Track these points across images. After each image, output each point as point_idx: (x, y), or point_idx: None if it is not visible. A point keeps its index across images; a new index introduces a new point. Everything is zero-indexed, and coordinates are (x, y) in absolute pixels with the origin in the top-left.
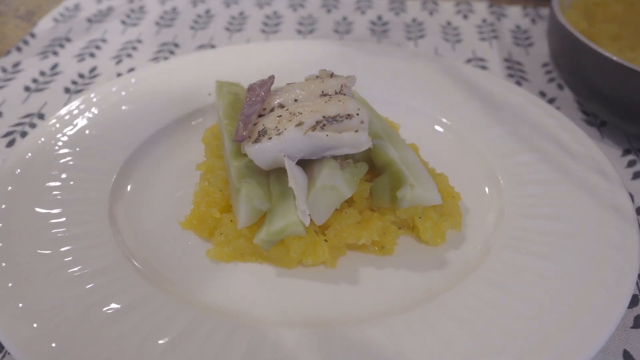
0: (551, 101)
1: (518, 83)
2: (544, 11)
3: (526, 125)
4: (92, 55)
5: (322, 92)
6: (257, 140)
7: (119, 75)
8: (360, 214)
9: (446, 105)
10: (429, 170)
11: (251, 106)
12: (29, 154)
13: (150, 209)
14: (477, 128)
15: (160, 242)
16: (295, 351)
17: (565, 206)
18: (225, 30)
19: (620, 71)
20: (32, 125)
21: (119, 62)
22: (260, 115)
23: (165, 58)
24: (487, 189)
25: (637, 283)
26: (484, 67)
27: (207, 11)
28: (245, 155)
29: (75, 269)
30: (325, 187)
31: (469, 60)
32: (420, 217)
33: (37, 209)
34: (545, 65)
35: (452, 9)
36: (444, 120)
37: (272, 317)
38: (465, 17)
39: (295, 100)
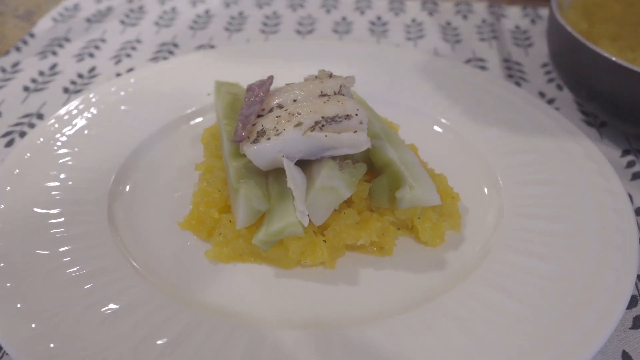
0: (550, 102)
1: (517, 83)
2: (544, 11)
3: (525, 125)
4: (91, 55)
5: (321, 92)
6: (255, 141)
7: (118, 75)
8: (359, 215)
9: (445, 105)
10: (428, 171)
11: (250, 106)
12: (28, 154)
13: (149, 210)
14: (477, 128)
15: (159, 243)
16: (294, 352)
17: (564, 207)
18: (225, 31)
19: (619, 71)
20: (31, 125)
21: (118, 62)
22: (259, 116)
23: (165, 58)
24: (486, 189)
25: (636, 284)
26: (483, 68)
27: (207, 11)
28: (244, 155)
29: (74, 269)
30: (324, 188)
31: (468, 61)
32: (419, 218)
33: (36, 209)
34: (544, 65)
35: (451, 9)
36: (443, 120)
37: (271, 318)
38: (464, 17)
39: (294, 100)
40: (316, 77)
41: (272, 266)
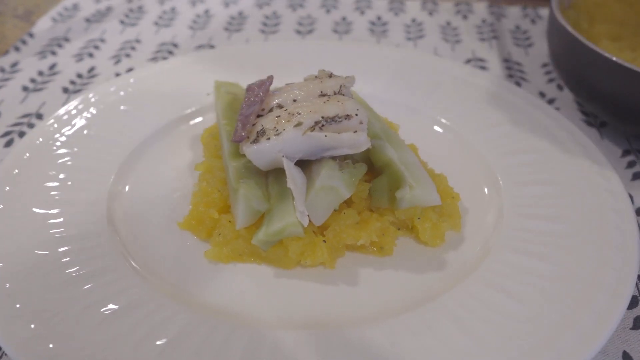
0: (551, 102)
1: (517, 83)
2: (544, 11)
3: (526, 125)
4: (90, 55)
5: (321, 92)
6: (255, 141)
7: (117, 75)
8: (359, 215)
9: (445, 105)
10: (428, 171)
11: (250, 106)
12: (27, 154)
13: (148, 210)
14: (477, 128)
15: (158, 243)
16: (294, 352)
17: (564, 207)
18: (224, 30)
19: (620, 71)
20: (30, 125)
21: (117, 62)
22: (258, 116)
23: (164, 58)
24: (486, 189)
25: (636, 284)
26: (483, 68)
27: (206, 11)
28: (243, 155)
29: (73, 269)
30: (324, 188)
31: (468, 61)
32: (419, 218)
33: (35, 209)
34: (544, 65)
35: (451, 9)
36: (444, 120)
37: (271, 318)
38: (464, 17)
39: (294, 100)
40: (316, 77)
41: (272, 266)
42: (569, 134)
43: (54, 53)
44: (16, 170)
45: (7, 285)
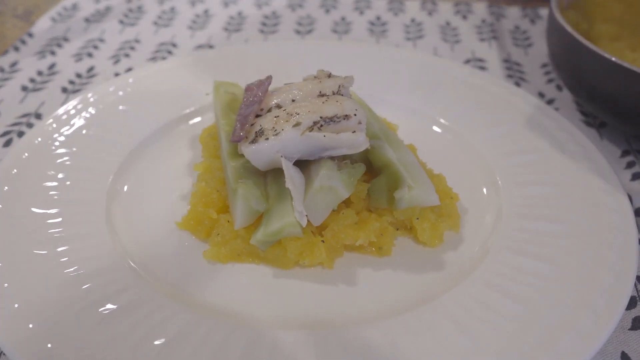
0: (550, 102)
1: (517, 84)
2: (543, 12)
3: (525, 126)
4: (89, 55)
5: (320, 92)
6: (254, 141)
7: (116, 75)
8: (357, 215)
9: (444, 105)
10: (427, 171)
11: (248, 107)
12: (26, 154)
13: (147, 210)
14: (476, 129)
15: (157, 243)
16: (292, 352)
17: (563, 207)
18: (224, 30)
19: (619, 72)
20: (29, 125)
21: (116, 62)
22: (257, 116)
23: (163, 58)
24: (485, 189)
25: (635, 285)
26: (482, 68)
27: (206, 11)
28: (242, 155)
29: (72, 269)
30: (322, 188)
31: (467, 61)
32: (417, 218)
33: (34, 209)
34: (544, 65)
35: (451, 9)
36: (442, 120)
37: (270, 318)
38: (464, 17)
39: (293, 100)
40: (315, 77)
41: (271, 266)
42: (568, 134)
43: (53, 53)
44: (15, 170)
45: (6, 285)
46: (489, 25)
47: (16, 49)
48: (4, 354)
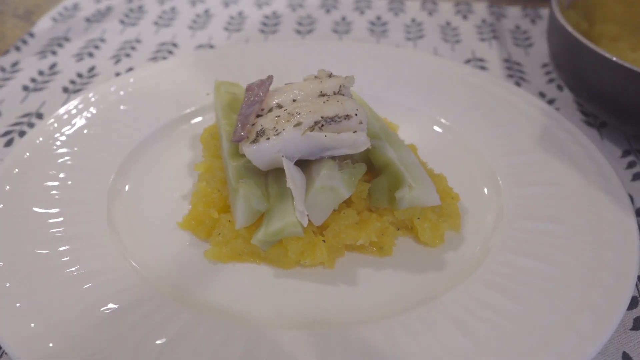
0: (551, 102)
1: (517, 84)
2: (544, 11)
3: (525, 126)
4: (90, 54)
5: (321, 92)
6: (255, 141)
7: (117, 75)
8: (358, 215)
9: (445, 105)
10: (428, 171)
11: (249, 106)
12: (27, 154)
13: (148, 209)
14: (476, 129)
15: (158, 242)
16: (293, 352)
17: (564, 207)
18: (224, 30)
19: (620, 72)
20: (31, 125)
21: (117, 61)
22: (258, 116)
23: (164, 58)
24: (485, 189)
25: (636, 285)
26: (483, 68)
27: (206, 11)
28: (243, 155)
29: (73, 268)
30: (323, 188)
31: (468, 61)
32: (418, 218)
33: (35, 209)
34: (544, 65)
35: (451, 9)
36: (443, 120)
37: (270, 318)
38: (464, 17)
39: (294, 100)
40: (315, 77)
41: (272, 266)
42: (569, 134)
43: (54, 53)
44: (16, 170)
45: (7, 284)
46: (490, 25)
47: (17, 48)
48: (5, 353)
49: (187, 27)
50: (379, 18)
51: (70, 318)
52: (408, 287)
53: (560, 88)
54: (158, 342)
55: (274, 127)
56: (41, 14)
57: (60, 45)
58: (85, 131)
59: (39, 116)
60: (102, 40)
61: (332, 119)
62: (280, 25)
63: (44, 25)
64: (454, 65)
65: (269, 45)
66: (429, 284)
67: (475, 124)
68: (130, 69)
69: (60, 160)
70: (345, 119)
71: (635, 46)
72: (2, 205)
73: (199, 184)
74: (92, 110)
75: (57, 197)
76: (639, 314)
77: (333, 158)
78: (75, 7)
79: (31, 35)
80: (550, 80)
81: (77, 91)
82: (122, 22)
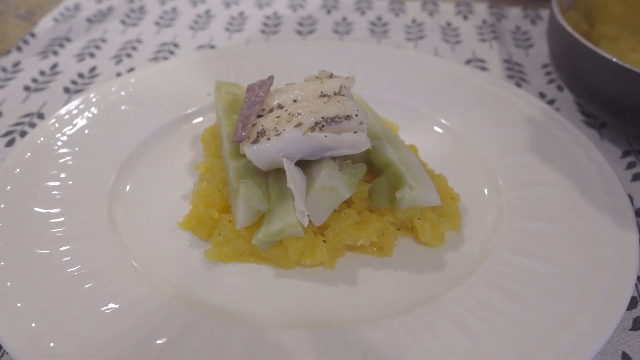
0: (551, 102)
1: (518, 84)
2: (544, 12)
3: (525, 126)
4: (91, 55)
5: (322, 93)
6: (255, 141)
7: (118, 75)
8: (359, 215)
9: (445, 106)
10: (428, 172)
11: (250, 107)
12: (29, 154)
13: (149, 209)
14: (477, 129)
15: (159, 242)
16: (293, 352)
17: (564, 208)
18: (225, 31)
19: (620, 73)
20: (32, 125)
21: (118, 62)
22: (259, 116)
23: (165, 58)
24: (486, 190)
25: (636, 285)
26: (483, 68)
27: (207, 11)
28: (244, 155)
29: (74, 268)
30: (324, 188)
31: (468, 61)
32: (419, 218)
33: (36, 209)
34: (545, 66)
35: (452, 9)
36: (443, 121)
37: (271, 318)
38: (465, 18)
39: (295, 101)
40: (316, 77)
41: (272, 266)
42: (569, 134)
43: (55, 53)
44: (17, 170)
45: (8, 284)
46: (490, 25)
47: (19, 49)
48: (6, 353)
49: (188, 27)
50: (379, 18)
51: (71, 318)
52: (408, 287)
53: (560, 89)
54: (159, 342)
55: (275, 128)
56: (43, 14)
57: (61, 45)
58: (86, 131)
59: (40, 116)
60: (103, 40)
61: (333, 120)
62: (281, 25)
63: (45, 25)
64: (454, 66)
65: (269, 46)
66: (429, 284)
67: (475, 125)
68: (131, 69)
69: (61, 161)
70: (345, 119)
71: (635, 47)
72: (3, 205)
73: (199, 184)
74: (93, 110)
75: (58, 197)
76: (638, 314)
77: (333, 158)
78: (77, 7)
79: (32, 35)
80: (551, 81)
81: (78, 91)
82: (123, 22)
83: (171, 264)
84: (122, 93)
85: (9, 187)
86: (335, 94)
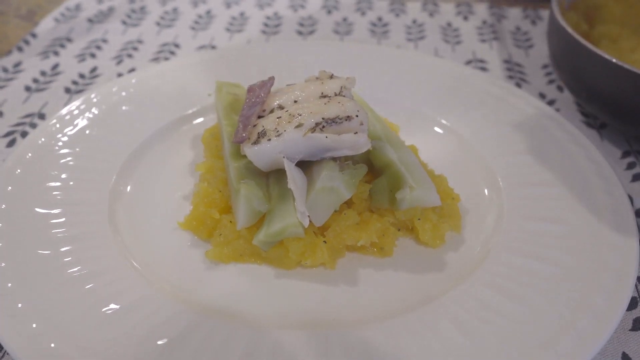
0: (551, 103)
1: (518, 85)
2: (544, 13)
3: (525, 127)
4: (92, 55)
5: (322, 93)
6: (256, 142)
7: (119, 75)
8: (359, 216)
9: (446, 106)
10: (429, 172)
11: (251, 107)
12: (29, 154)
13: (150, 210)
14: (477, 129)
15: (160, 243)
16: (294, 353)
17: (564, 208)
18: (226, 31)
19: (619, 73)
20: (33, 125)
21: (119, 62)
22: (259, 117)
23: (166, 58)
24: (486, 190)
25: (636, 285)
26: (483, 69)
27: (208, 12)
28: (244, 156)
29: (75, 269)
30: (324, 189)
31: (469, 62)
32: (419, 219)
33: (37, 209)
34: (545, 66)
35: (452, 10)
36: (444, 121)
37: (271, 318)
38: (465, 18)
39: (295, 101)
40: (317, 78)
41: (273, 267)
42: (569, 135)
43: (56, 53)
44: (18, 170)
45: (9, 284)
46: (490, 26)
47: (20, 49)
48: (7, 354)
49: (189, 27)
50: (380, 19)
51: (72, 318)
52: (408, 287)
53: (560, 89)
54: (159, 342)
55: (275, 128)
56: (43, 14)
57: (62, 45)
58: (87, 132)
59: (41, 117)
60: (104, 40)
61: (333, 120)
62: (281, 26)
63: (46, 25)
64: (454, 66)
65: (270, 46)
66: (429, 284)
67: (475, 125)
68: (132, 70)
69: (62, 161)
70: (346, 120)
71: (635, 47)
72: (4, 205)
73: (200, 184)
74: (94, 110)
75: (59, 197)
76: (638, 315)
77: (334, 159)
78: (78, 7)
79: (33, 35)
80: (551, 81)
81: (79, 92)
82: (124, 22)
83: (172, 265)
84: (123, 93)
85: (9, 188)
86: (335, 95)
